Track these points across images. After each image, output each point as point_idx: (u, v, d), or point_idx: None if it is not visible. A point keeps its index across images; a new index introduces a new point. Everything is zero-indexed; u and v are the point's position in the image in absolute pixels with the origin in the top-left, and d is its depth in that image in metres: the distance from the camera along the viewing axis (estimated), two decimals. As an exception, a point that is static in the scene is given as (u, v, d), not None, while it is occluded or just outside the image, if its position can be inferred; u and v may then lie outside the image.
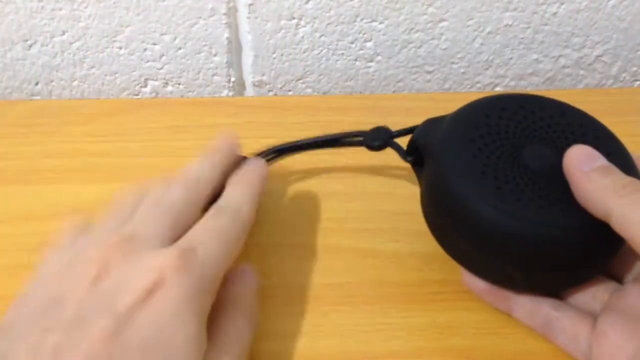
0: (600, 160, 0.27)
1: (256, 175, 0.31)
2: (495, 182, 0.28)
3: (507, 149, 0.29)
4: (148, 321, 0.23)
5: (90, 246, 0.26)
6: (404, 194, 0.36)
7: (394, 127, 0.34)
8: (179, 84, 0.48)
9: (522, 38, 0.47)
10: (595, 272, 0.29)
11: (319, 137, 0.35)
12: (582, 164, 0.26)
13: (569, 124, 0.30)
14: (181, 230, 0.27)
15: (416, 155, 0.32)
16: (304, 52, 0.46)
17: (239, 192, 0.30)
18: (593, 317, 0.28)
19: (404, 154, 0.33)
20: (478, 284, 0.30)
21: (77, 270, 0.25)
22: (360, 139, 0.34)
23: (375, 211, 0.36)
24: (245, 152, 0.33)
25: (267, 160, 0.35)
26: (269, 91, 0.49)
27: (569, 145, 0.28)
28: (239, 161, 0.32)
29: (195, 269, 0.24)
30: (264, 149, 0.35)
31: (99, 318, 0.22)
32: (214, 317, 0.26)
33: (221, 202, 0.29)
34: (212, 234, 0.27)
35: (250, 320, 0.28)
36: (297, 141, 0.36)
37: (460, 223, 0.29)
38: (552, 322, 0.28)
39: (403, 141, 0.33)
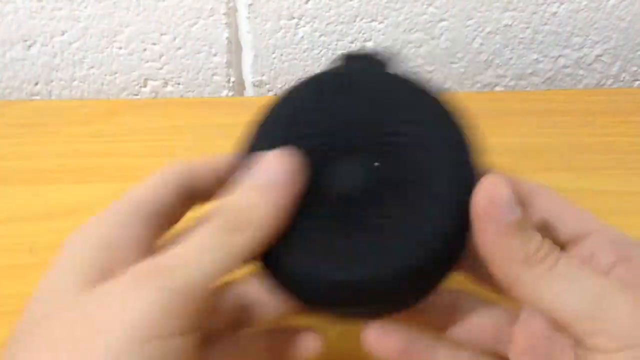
0: (512, 214, 0.21)
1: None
2: (292, 234, 0.22)
3: (310, 178, 0.22)
4: None
5: None
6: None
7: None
8: (179, 84, 0.48)
9: (521, 38, 0.47)
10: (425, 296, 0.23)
11: None
12: (494, 215, 0.21)
13: (388, 107, 0.24)
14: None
15: None
16: (304, 52, 0.46)
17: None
18: None
19: None
20: (388, 345, 0.24)
21: None
22: None
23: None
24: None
25: None
26: (268, 91, 0.48)
27: (383, 149, 0.23)
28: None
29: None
30: None
31: None
32: None
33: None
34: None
35: None
36: None
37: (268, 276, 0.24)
38: None
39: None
